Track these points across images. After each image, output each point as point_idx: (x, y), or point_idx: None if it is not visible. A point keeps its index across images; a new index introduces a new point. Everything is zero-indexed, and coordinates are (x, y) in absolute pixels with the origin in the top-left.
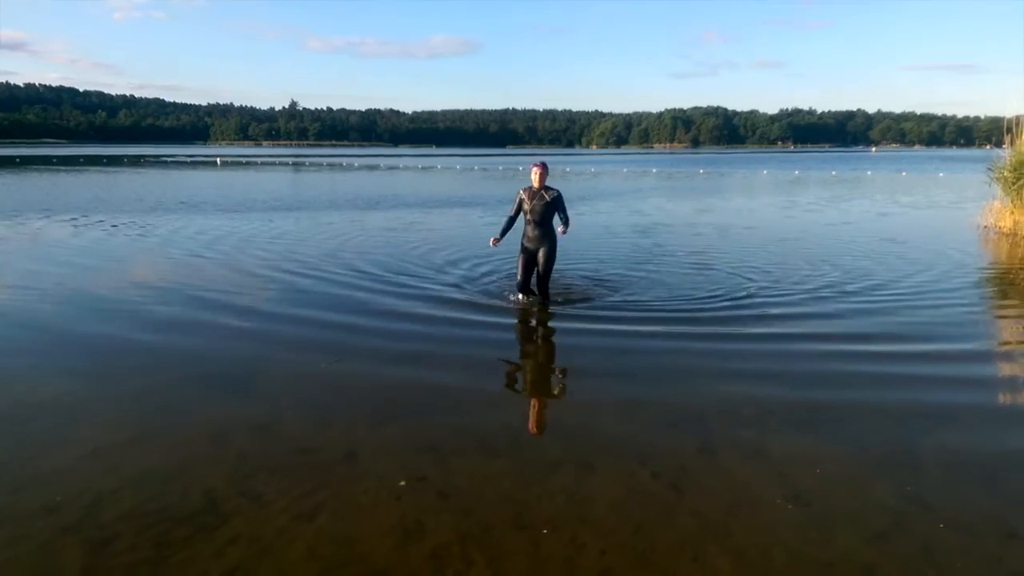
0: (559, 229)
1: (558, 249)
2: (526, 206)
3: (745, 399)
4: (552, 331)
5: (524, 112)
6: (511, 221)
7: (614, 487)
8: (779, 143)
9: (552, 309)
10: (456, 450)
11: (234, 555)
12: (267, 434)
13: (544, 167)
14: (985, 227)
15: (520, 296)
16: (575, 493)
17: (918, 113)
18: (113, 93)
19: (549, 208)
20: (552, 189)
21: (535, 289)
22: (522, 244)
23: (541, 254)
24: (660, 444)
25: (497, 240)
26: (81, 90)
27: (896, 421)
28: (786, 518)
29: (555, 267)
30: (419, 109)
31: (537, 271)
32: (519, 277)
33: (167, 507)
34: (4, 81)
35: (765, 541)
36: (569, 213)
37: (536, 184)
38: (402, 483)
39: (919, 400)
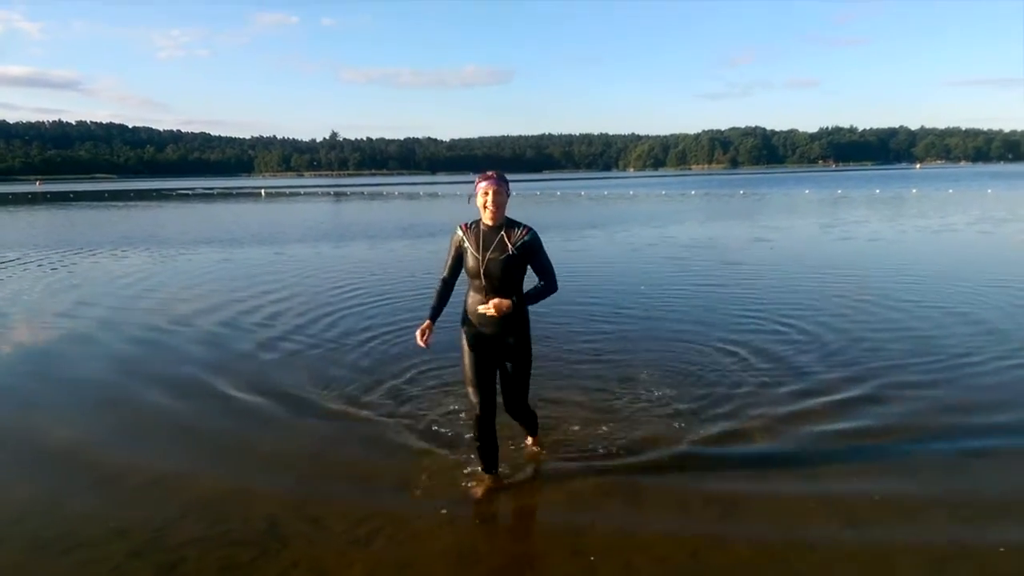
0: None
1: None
2: (470, 260)
3: None
4: None
5: (560, 137)
6: (446, 289)
7: (667, 513)
8: (820, 162)
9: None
10: (505, 477)
11: None
12: (322, 460)
13: (501, 182)
14: None
15: (483, 470)
16: (627, 519)
17: (963, 128)
18: (161, 129)
19: (515, 265)
20: (520, 226)
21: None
22: (467, 326)
23: (511, 350)
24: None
25: (429, 329)
26: (130, 126)
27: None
28: (843, 545)
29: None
30: (456, 137)
31: (504, 383)
32: (474, 400)
33: (230, 531)
34: (57, 119)
35: (822, 568)
36: (556, 271)
37: (490, 218)
38: (443, 511)
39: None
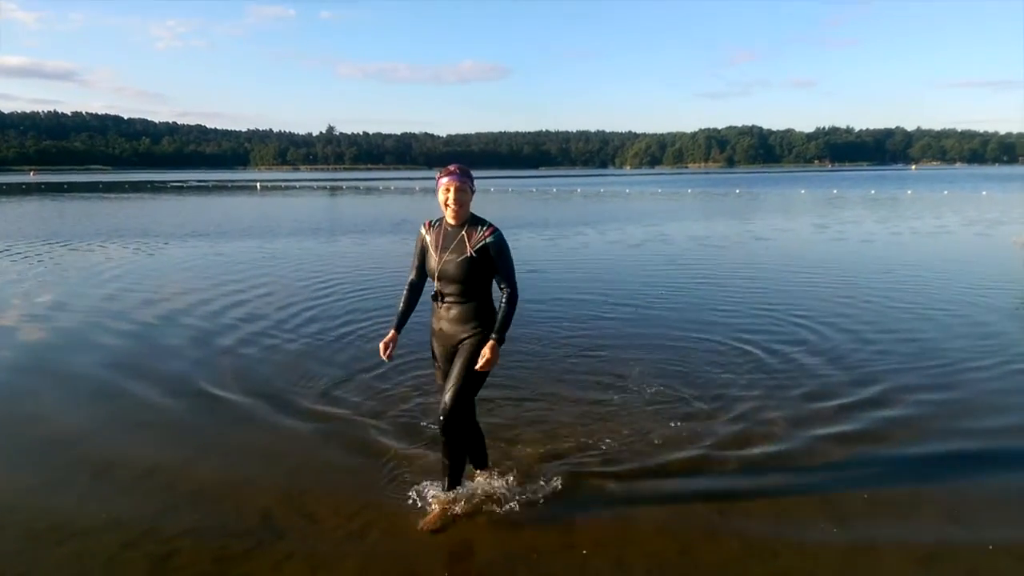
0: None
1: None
2: (430, 261)
3: None
4: None
5: (557, 134)
6: (412, 294)
7: (659, 509)
8: (816, 162)
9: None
10: (501, 472)
11: (290, 570)
12: (314, 455)
13: (464, 177)
14: None
15: (473, 467)
16: (620, 515)
17: (959, 130)
18: (157, 120)
19: (474, 269)
20: (484, 226)
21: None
22: (433, 337)
23: (460, 354)
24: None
25: (393, 342)
26: (126, 118)
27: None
28: (832, 541)
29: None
30: (453, 132)
31: (447, 384)
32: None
33: (224, 523)
34: (52, 110)
35: (811, 564)
36: (517, 275)
37: (452, 216)
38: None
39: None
